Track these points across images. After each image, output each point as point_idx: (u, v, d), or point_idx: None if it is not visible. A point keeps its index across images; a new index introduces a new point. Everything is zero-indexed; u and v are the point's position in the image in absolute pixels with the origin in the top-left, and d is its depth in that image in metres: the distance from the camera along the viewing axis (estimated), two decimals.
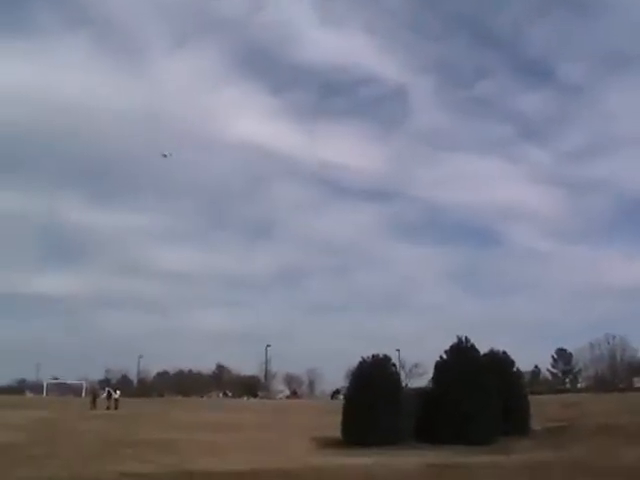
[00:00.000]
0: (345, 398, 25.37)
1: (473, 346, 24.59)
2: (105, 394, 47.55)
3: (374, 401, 22.04)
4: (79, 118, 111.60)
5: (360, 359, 24.05)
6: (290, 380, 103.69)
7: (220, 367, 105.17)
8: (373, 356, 23.88)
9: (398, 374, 25.39)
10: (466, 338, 24.62)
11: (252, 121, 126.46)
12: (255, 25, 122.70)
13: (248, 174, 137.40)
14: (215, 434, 24.84)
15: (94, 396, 46.12)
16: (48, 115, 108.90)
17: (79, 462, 16.72)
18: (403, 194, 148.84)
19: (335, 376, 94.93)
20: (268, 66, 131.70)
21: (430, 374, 26.99)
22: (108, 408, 41.97)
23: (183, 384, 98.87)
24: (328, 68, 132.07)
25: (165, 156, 41.52)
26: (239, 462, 17.05)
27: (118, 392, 46.79)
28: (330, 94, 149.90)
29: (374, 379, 22.85)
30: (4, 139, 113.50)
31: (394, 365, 25.08)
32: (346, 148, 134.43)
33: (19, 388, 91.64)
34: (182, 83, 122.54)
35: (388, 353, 24.93)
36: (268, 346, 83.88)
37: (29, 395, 79.74)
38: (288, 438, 24.12)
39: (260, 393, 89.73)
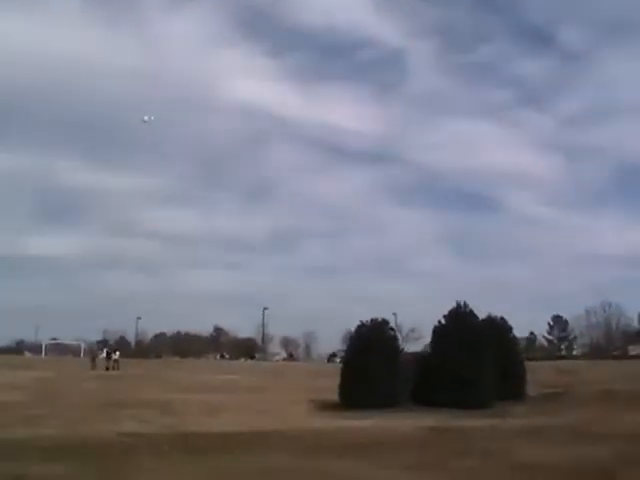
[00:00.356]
0: (343, 361, 25.45)
1: (472, 311, 24.53)
2: (104, 355, 47.77)
3: (372, 364, 22.06)
4: (73, 76, 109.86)
5: (359, 323, 24.04)
6: (287, 343, 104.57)
7: (217, 329, 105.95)
8: (371, 320, 23.84)
9: (396, 338, 25.36)
10: (465, 303, 24.55)
11: (251, 83, 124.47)
12: None
13: (246, 136, 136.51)
14: (213, 395, 24.95)
15: (93, 357, 46.39)
16: (43, 73, 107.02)
17: (78, 422, 16.76)
18: (400, 158, 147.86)
19: (331, 339, 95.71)
20: (267, 28, 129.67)
21: (426, 338, 27.03)
22: (107, 369, 42.16)
23: (180, 346, 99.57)
24: (328, 31, 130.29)
25: (145, 121, 39.99)
26: (236, 423, 17.10)
27: (118, 353, 46.99)
28: (329, 57, 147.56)
29: (372, 343, 22.85)
30: None
31: (392, 329, 25.09)
32: (344, 111, 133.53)
33: (18, 349, 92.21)
34: (180, 43, 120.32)
35: (384, 317, 24.92)
36: (265, 309, 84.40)
37: (28, 355, 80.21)
38: (285, 400, 24.23)
39: (257, 355, 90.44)
